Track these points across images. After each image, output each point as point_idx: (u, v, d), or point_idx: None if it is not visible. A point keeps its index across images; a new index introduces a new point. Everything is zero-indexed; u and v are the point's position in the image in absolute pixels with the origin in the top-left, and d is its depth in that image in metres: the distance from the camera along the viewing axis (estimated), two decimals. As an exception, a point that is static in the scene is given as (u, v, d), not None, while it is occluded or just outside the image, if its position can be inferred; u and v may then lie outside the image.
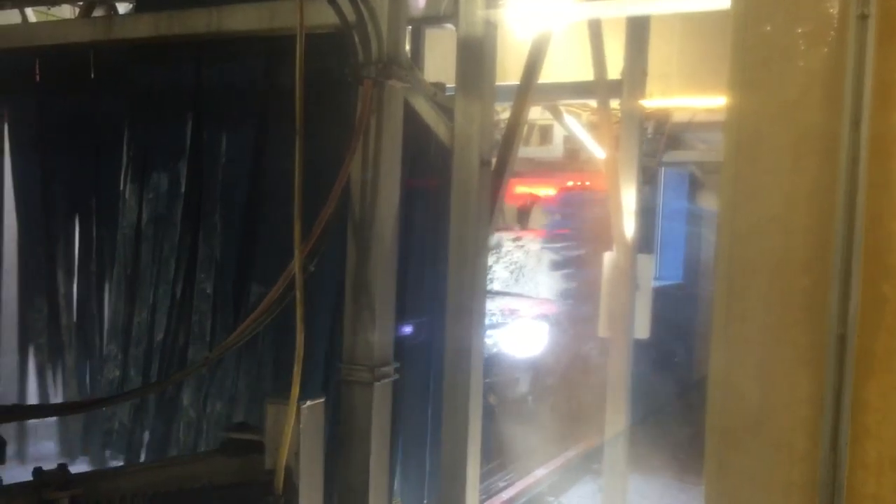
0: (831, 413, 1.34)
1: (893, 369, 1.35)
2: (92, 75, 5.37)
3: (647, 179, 8.67)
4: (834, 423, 1.34)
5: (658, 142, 9.14)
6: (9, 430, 4.61)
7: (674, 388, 8.86)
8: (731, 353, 1.46)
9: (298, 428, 3.20)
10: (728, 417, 1.46)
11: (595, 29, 5.92)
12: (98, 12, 5.61)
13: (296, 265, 3.27)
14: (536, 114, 8.61)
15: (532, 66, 4.68)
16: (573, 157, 9.66)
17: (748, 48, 1.44)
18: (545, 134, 10.29)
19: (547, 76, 6.08)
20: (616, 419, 6.43)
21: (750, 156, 1.45)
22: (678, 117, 8.77)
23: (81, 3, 5.14)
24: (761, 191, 1.44)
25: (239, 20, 4.66)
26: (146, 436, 4.78)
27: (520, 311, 7.69)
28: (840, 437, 1.33)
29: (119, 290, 4.93)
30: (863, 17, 1.35)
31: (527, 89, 4.67)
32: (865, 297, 1.34)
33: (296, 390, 3.18)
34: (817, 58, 1.38)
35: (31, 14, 6.16)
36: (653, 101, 7.70)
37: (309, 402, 3.25)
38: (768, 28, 1.39)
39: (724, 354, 1.48)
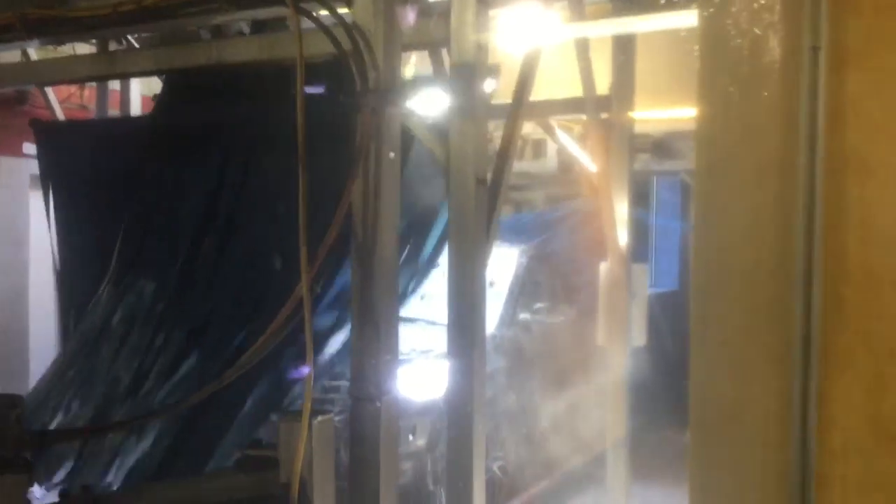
0: (799, 406, 1.49)
1: (854, 364, 1.50)
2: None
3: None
4: (802, 414, 1.49)
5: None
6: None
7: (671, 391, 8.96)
8: (708, 354, 1.61)
9: (311, 443, 3.33)
10: (707, 412, 1.61)
11: (582, 47, 6.09)
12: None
13: (303, 287, 3.42)
14: (529, 128, 8.77)
15: (523, 85, 4.85)
16: (567, 169, 9.83)
17: (713, 77, 1.61)
18: (538, 148, 10.47)
19: (540, 93, 6.24)
20: (616, 426, 6.56)
21: (719, 176, 1.61)
22: (666, 127, 8.92)
23: (94, 42, 5.32)
24: (730, 207, 1.59)
25: (239, 51, 4.82)
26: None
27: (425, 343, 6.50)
28: (809, 427, 1.48)
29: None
30: (814, 50, 1.51)
31: (519, 107, 4.83)
32: (826, 300, 1.49)
33: (307, 406, 3.32)
34: (775, 86, 1.54)
35: (33, 52, 6.32)
36: (642, 113, 7.85)
37: (320, 418, 3.39)
38: (730, 58, 1.56)
39: (702, 355, 1.62)
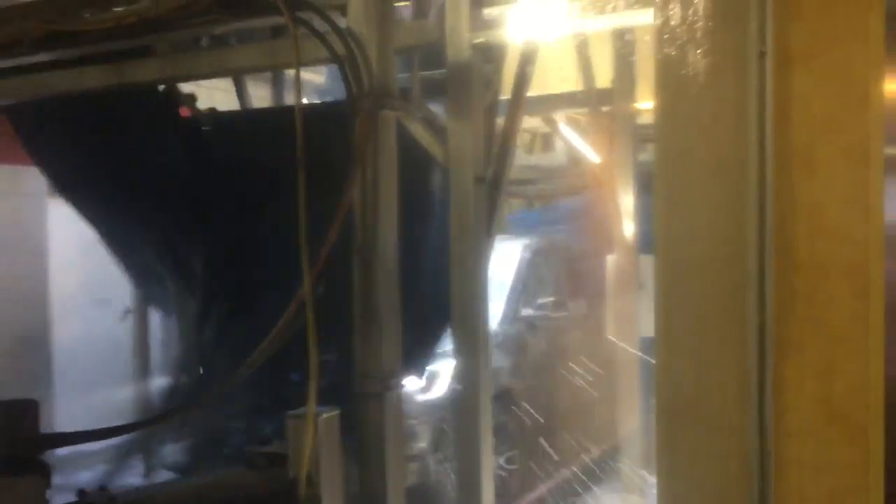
0: (756, 391, 1.56)
1: (805, 351, 1.57)
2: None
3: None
4: (759, 399, 1.56)
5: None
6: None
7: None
8: (672, 343, 1.69)
9: (317, 439, 3.43)
10: (672, 399, 1.69)
11: (581, 41, 6.15)
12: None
13: (305, 288, 3.51)
14: (537, 122, 8.82)
15: (521, 81, 4.92)
16: (576, 163, 9.86)
17: (668, 78, 1.68)
18: (547, 141, 10.51)
19: (544, 88, 6.28)
20: (629, 416, 6.63)
21: (677, 171, 1.68)
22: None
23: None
24: (688, 201, 1.67)
25: (242, 59, 4.94)
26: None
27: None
28: (765, 412, 1.55)
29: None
30: (761, 55, 1.58)
31: (517, 103, 4.90)
32: (779, 290, 1.57)
33: (312, 404, 3.42)
34: (726, 88, 1.61)
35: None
36: (650, 104, 7.85)
37: (325, 415, 3.48)
38: (684, 62, 1.63)
39: (665, 344, 1.70)
